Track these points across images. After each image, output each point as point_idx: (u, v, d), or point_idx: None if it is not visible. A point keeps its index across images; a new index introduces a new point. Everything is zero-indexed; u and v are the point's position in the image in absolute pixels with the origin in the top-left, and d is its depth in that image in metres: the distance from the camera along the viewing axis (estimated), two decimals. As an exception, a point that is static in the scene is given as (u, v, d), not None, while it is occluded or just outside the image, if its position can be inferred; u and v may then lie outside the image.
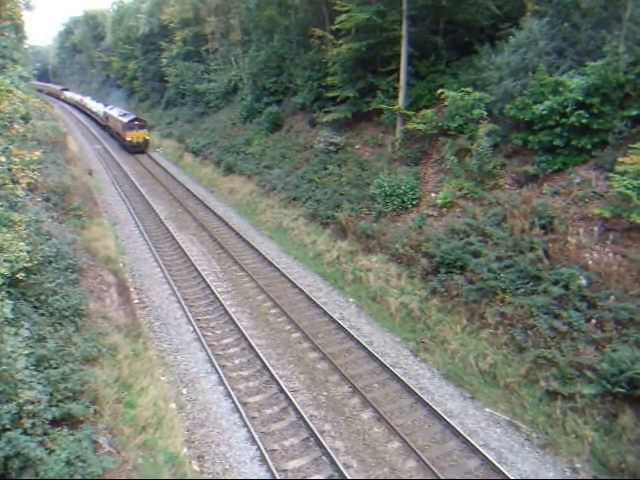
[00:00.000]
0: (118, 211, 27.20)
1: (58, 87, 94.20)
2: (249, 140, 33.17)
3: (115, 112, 48.22)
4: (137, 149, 42.11)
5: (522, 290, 13.40)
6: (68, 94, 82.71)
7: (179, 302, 17.07)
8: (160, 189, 32.11)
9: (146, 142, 42.60)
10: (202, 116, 44.01)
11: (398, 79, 22.40)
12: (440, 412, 11.61)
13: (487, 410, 11.85)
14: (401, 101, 22.11)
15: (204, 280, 18.58)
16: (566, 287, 12.64)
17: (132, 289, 17.87)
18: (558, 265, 13.27)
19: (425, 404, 11.98)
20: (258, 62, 34.68)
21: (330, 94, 26.08)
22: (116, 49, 70.59)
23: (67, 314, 12.21)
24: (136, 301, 17.05)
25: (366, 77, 24.86)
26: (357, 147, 25.05)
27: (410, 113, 21.33)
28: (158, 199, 29.83)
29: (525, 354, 12.29)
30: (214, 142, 37.18)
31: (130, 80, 66.23)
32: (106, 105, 56.18)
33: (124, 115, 44.56)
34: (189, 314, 16.17)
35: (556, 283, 12.85)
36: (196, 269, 19.56)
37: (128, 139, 41.80)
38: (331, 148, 25.61)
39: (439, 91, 19.51)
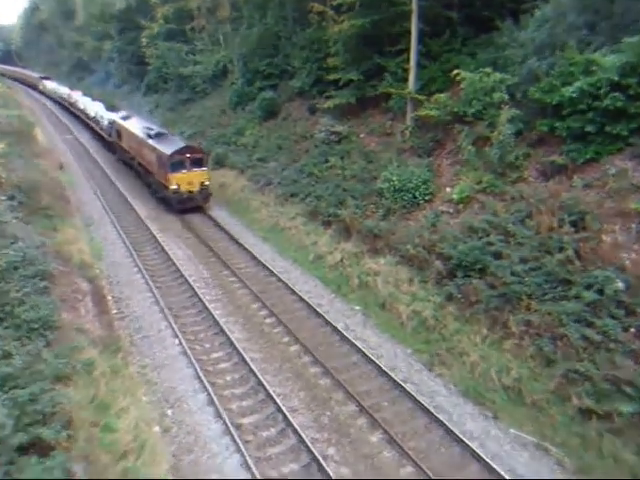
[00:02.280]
0: (93, 210, 27.30)
1: (34, 74, 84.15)
2: (241, 130, 33.26)
3: (136, 127, 32.11)
4: (189, 204, 26.35)
5: (550, 295, 13.39)
6: (50, 85, 70.11)
7: (163, 312, 17.09)
8: (139, 184, 32.16)
9: (205, 191, 26.60)
10: (187, 103, 44.12)
11: (408, 59, 22.43)
12: (458, 433, 11.61)
13: (512, 431, 11.85)
14: (411, 84, 22.15)
15: (191, 287, 18.61)
16: (600, 292, 12.63)
17: (110, 298, 17.92)
18: (591, 267, 13.26)
19: (441, 424, 11.99)
20: (250, 42, 34.79)
21: (331, 77, 26.15)
22: (89, 28, 70.71)
23: (36, 327, 12.22)
24: (114, 311, 17.09)
25: (372, 58, 24.91)
26: (362, 136, 25.09)
27: (422, 98, 21.37)
28: (138, 196, 29.90)
29: (554, 368, 12.28)
30: (201, 132, 37.23)
31: (105, 63, 66.37)
32: (113, 109, 43.14)
33: (161, 138, 28.39)
34: (174, 325, 16.19)
35: (589, 287, 12.85)
36: (182, 275, 19.59)
37: (173, 187, 25.72)
38: (333, 138, 25.68)
39: (454, 72, 19.52)
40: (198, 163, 26.20)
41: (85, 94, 55.14)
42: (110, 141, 39.69)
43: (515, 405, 12.37)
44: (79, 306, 15.61)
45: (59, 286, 15.76)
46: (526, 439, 11.60)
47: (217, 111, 38.45)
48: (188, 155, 25.80)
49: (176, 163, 25.54)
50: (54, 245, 18.36)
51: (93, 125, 45.65)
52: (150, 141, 28.49)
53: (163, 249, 22.03)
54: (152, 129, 30.18)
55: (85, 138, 46.04)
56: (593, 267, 13.23)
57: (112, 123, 38.32)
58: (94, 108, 45.36)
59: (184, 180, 25.84)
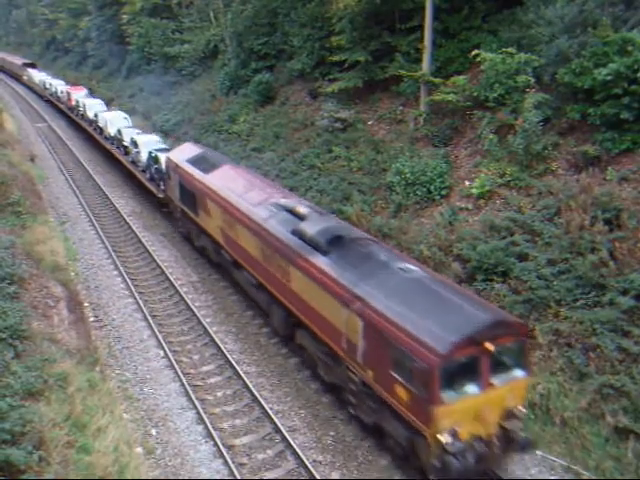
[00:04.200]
0: (68, 206, 27.52)
1: (17, 60, 74.90)
2: (233, 116, 33.32)
3: (252, 204, 16.35)
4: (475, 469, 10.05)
5: (581, 302, 13.38)
6: (37, 76, 58.87)
7: (146, 320, 17.17)
8: (120, 179, 32.25)
9: (514, 435, 10.42)
10: (173, 86, 44.15)
11: (422, 38, 22.45)
12: (479, 456, 11.43)
13: (538, 453, 11.82)
14: (425, 66, 22.17)
15: (178, 292, 18.72)
16: (638, 298, 12.63)
17: (86, 304, 18.02)
18: (627, 270, 13.24)
19: (459, 447, 11.68)
20: (244, 18, 34.81)
21: (336, 58, 26.18)
22: (64, 3, 70.93)
23: (3, 336, 12.24)
24: (92, 319, 17.20)
25: (381, 36, 24.98)
26: (370, 124, 25.13)
27: (437, 81, 21.40)
28: (118, 191, 29.99)
29: (586, 382, 12.26)
30: (189, 119, 37.35)
31: (82, 42, 66.55)
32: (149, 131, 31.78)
33: (351, 253, 12.73)
34: (159, 335, 16.26)
35: (625, 292, 12.84)
36: (168, 278, 19.71)
37: (446, 439, 9.74)
38: (337, 125, 25.69)
39: (474, 53, 19.56)
40: (503, 362, 10.85)
41: (91, 93, 43.67)
42: (160, 197, 24.90)
43: (542, 424, 12.31)
44: (52, 313, 15.61)
45: (29, 291, 15.77)
46: (555, 462, 11.57)
47: (207, 96, 38.49)
48: (489, 346, 10.08)
49: (457, 370, 10.20)
50: (24, 245, 18.39)
51: (114, 151, 31.99)
52: (321, 263, 12.84)
53: (147, 249, 22.08)
54: (305, 215, 14.85)
55: (61, 127, 46.08)
56: (629, 270, 13.20)
57: (164, 166, 23.78)
58: (115, 121, 32.60)
59: (471, 413, 10.30)
